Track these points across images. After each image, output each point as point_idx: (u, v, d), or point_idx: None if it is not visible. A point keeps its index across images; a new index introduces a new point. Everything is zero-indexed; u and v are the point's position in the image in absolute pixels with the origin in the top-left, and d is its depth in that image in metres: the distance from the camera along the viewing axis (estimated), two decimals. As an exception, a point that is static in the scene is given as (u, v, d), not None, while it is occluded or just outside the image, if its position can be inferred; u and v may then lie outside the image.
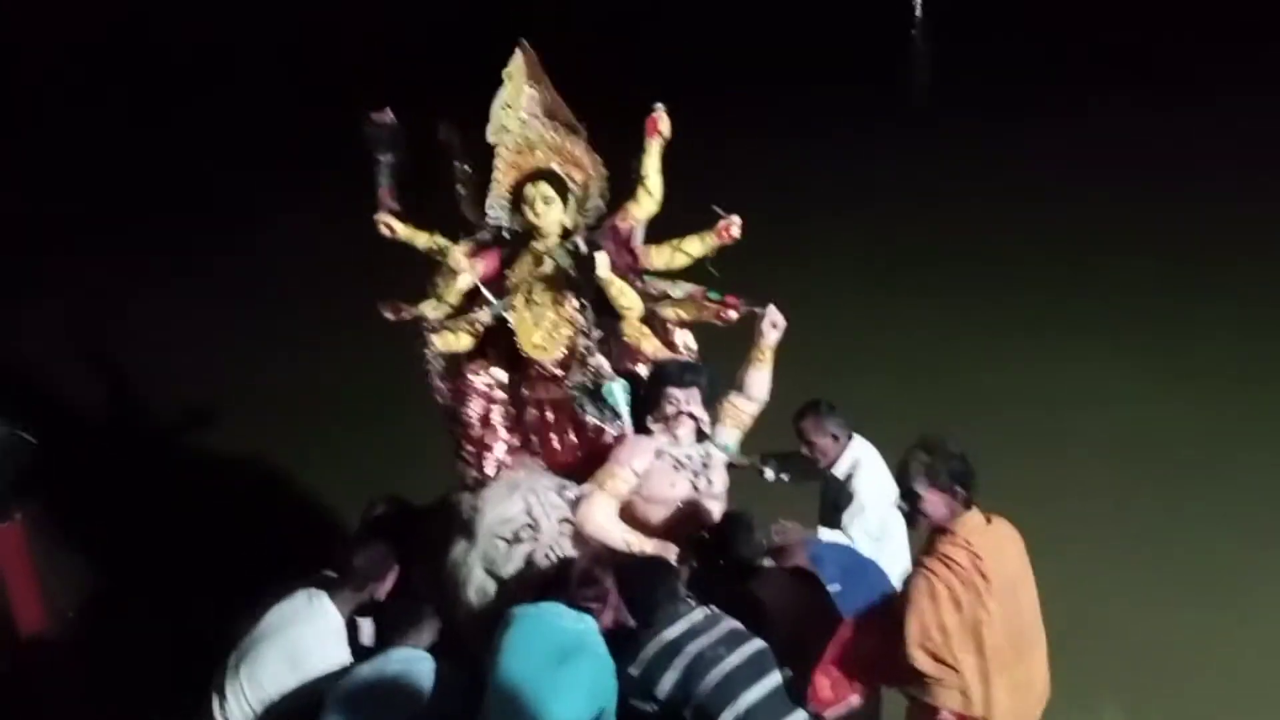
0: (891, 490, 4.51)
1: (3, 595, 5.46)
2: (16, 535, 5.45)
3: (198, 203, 11.05)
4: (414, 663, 3.79)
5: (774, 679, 3.63)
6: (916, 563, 3.66)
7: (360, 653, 4.02)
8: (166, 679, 4.81)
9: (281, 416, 7.44)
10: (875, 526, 4.41)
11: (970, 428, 3.96)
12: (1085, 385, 7.26)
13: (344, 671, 3.84)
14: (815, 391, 4.63)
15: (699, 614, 3.74)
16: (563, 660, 3.54)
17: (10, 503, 5.36)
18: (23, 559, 5.50)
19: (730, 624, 3.74)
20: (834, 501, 4.57)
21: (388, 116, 4.24)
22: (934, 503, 3.66)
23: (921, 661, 3.54)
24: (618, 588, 3.80)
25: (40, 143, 12.88)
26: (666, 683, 3.60)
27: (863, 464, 4.55)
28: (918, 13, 15.85)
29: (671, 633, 3.67)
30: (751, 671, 3.61)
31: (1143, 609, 5.39)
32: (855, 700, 3.68)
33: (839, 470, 4.56)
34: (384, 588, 4.10)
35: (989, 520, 3.66)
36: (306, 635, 3.94)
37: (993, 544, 3.61)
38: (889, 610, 3.69)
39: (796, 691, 3.63)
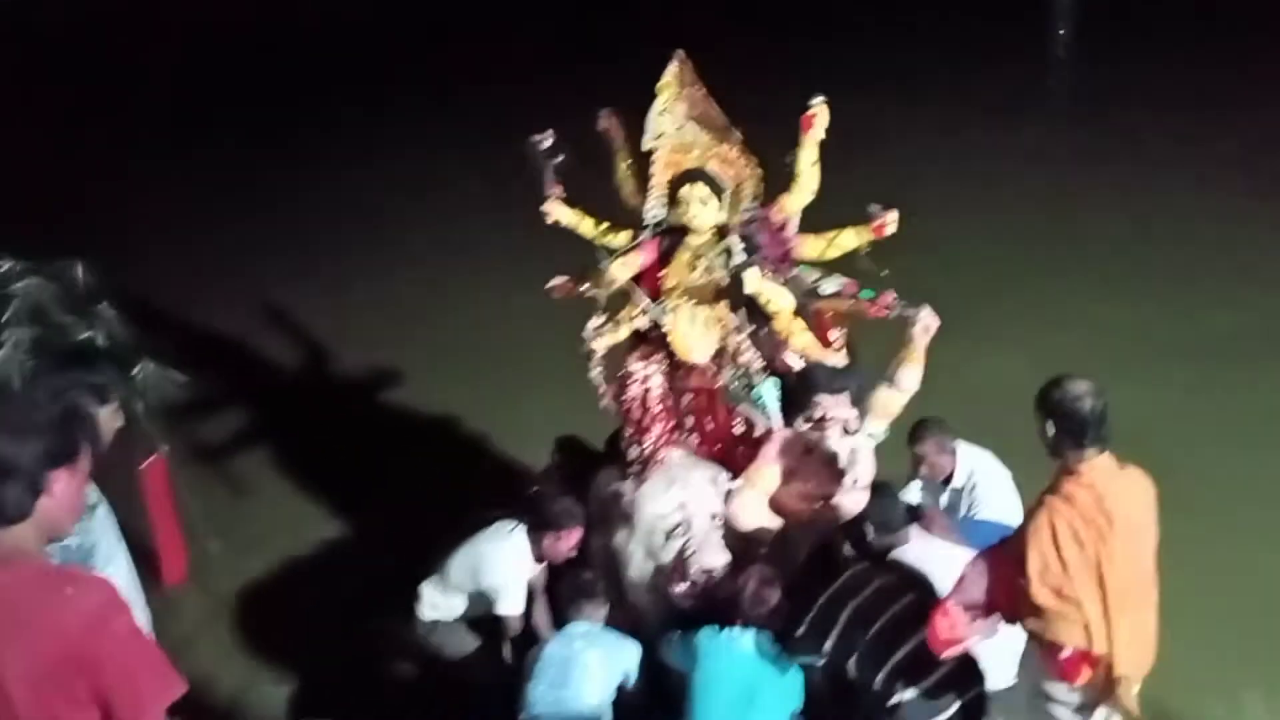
0: (1009, 485, 4.68)
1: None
2: (161, 470, 5.47)
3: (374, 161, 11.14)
4: (595, 638, 4.15)
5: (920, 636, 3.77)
6: (1039, 500, 3.62)
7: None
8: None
9: (462, 366, 7.39)
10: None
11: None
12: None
13: (538, 650, 4.23)
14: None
15: (848, 577, 3.94)
16: (750, 700, 3.89)
17: (157, 438, 5.26)
18: (167, 493, 5.54)
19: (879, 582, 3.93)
20: (956, 510, 4.68)
21: (548, 137, 4.45)
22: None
23: (1043, 596, 3.53)
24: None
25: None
26: (830, 638, 3.83)
27: (978, 471, 4.68)
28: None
29: (824, 594, 3.90)
30: (902, 629, 3.79)
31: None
32: (972, 641, 3.75)
33: (958, 481, 4.69)
34: (569, 541, 4.43)
35: (1121, 466, 3.61)
36: (492, 552, 4.45)
37: (1120, 487, 3.56)
38: (1008, 548, 3.69)
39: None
